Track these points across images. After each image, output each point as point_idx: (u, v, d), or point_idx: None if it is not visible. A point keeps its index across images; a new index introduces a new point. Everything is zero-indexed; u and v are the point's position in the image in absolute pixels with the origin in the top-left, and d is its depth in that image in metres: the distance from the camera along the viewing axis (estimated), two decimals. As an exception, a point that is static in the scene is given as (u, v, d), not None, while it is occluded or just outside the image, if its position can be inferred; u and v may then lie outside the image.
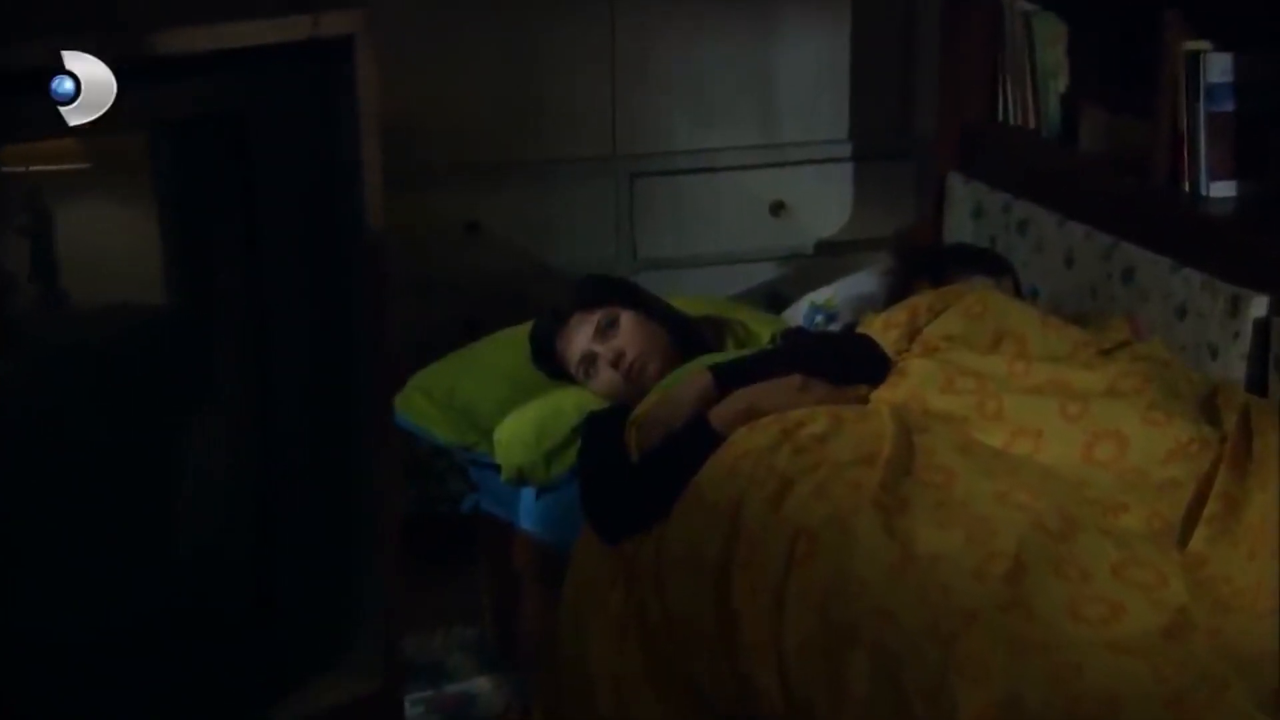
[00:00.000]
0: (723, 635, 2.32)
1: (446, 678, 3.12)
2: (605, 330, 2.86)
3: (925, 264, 3.10)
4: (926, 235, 3.56)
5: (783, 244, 3.78)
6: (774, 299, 3.73)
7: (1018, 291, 3.10)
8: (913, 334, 2.71)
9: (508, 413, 2.91)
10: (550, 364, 2.96)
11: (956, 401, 2.54)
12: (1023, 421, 2.47)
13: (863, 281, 3.35)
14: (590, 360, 2.88)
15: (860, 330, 2.78)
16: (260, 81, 1.68)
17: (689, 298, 3.28)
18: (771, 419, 2.50)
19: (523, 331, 3.05)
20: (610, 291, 2.95)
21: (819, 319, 3.28)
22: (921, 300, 2.77)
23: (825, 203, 3.81)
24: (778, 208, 3.78)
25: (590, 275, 3.02)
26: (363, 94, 1.73)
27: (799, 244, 3.80)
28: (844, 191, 3.83)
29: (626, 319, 2.88)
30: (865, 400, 2.60)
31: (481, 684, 3.09)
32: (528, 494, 2.91)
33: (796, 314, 3.34)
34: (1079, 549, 2.19)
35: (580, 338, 2.89)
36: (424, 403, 3.04)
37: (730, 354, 2.82)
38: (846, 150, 3.80)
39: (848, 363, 2.64)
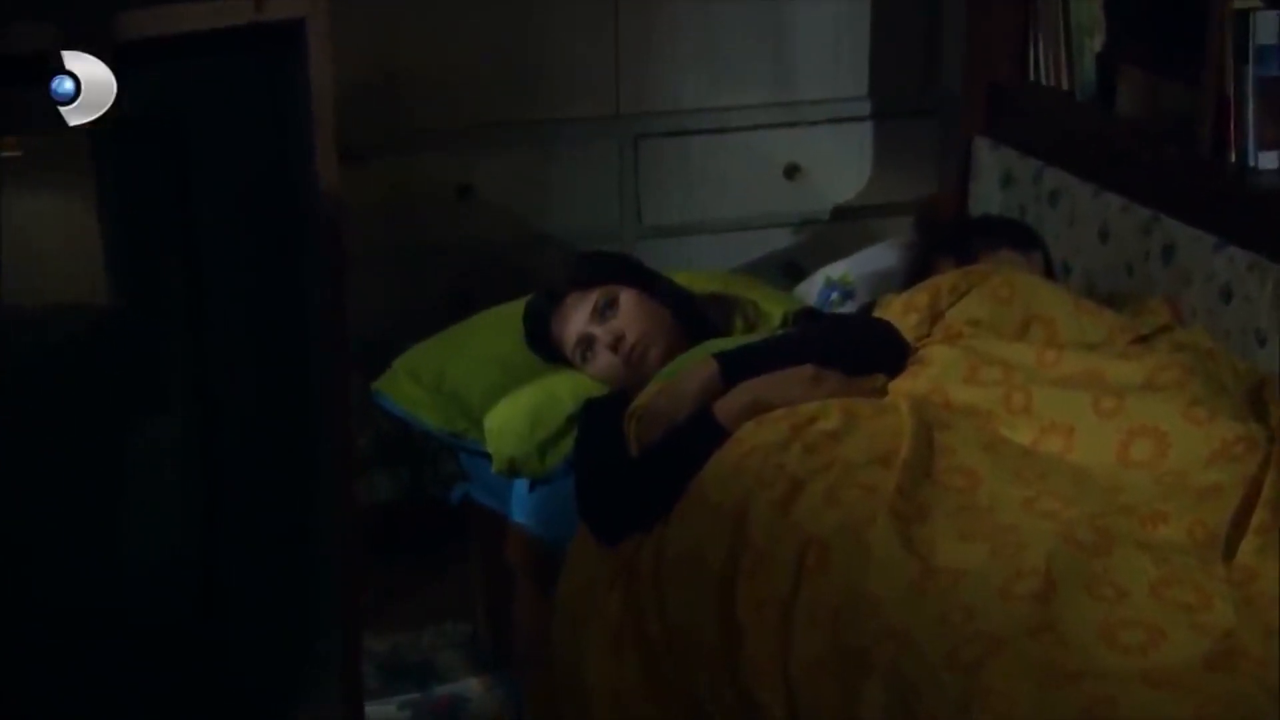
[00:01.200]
0: (725, 650, 2.26)
1: (436, 678, 3.10)
2: (604, 311, 2.81)
3: (948, 238, 3.05)
4: (950, 204, 3.50)
5: (797, 209, 3.74)
6: (788, 268, 3.70)
7: (1048, 268, 3.05)
8: (934, 318, 2.65)
9: (499, 399, 2.86)
10: (545, 347, 2.90)
11: (981, 394, 2.47)
12: (1052, 416, 2.41)
13: (881, 255, 3.29)
14: (587, 343, 2.82)
15: (878, 313, 2.72)
16: (199, 71, 1.60)
17: (695, 272, 3.23)
18: (781, 413, 2.45)
19: (516, 309, 2.99)
20: (609, 269, 2.88)
21: (834, 296, 3.21)
22: (944, 281, 2.71)
23: (843, 165, 3.76)
24: (792, 171, 3.72)
25: (588, 251, 2.97)
26: (316, 83, 1.63)
27: (815, 209, 3.75)
28: (863, 153, 3.77)
29: (626, 299, 2.82)
30: (882, 392, 2.54)
31: (473, 686, 3.07)
32: (521, 485, 2.86)
33: (811, 290, 3.28)
34: (1114, 565, 2.11)
35: (577, 319, 2.83)
36: (411, 386, 2.99)
37: (737, 340, 2.75)
38: (866, 109, 3.75)
39: (864, 351, 2.58)
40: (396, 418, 3.04)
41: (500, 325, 3.02)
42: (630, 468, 2.52)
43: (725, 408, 2.49)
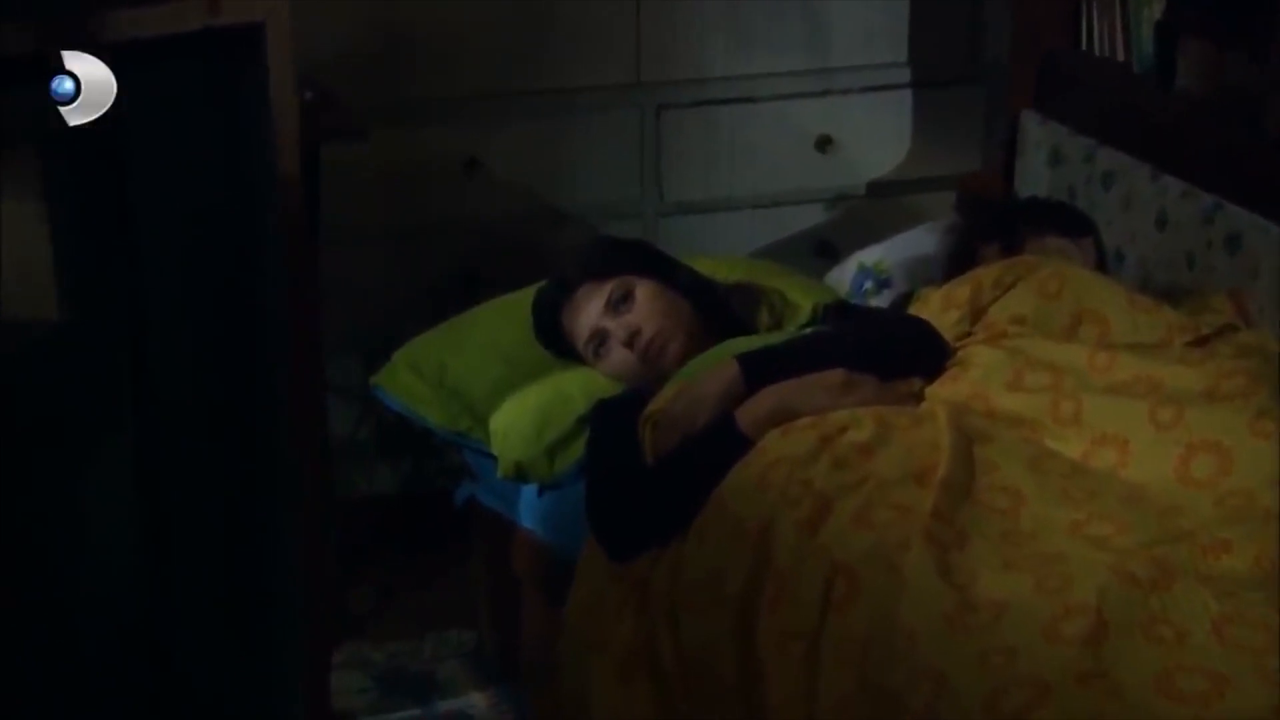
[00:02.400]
0: (744, 686, 2.20)
1: (437, 692, 3.05)
2: (618, 304, 2.73)
3: (992, 223, 2.99)
4: (994, 184, 3.44)
5: (830, 185, 3.70)
6: (819, 247, 3.68)
7: (1100, 257, 2.98)
8: (976, 315, 2.60)
9: (505, 397, 2.80)
10: (555, 341, 2.82)
11: (1027, 401, 2.41)
12: (1104, 427, 2.34)
13: (920, 240, 3.21)
14: (601, 338, 2.74)
15: (914, 309, 2.68)
16: (148, 79, 1.54)
17: (718, 258, 3.16)
18: (807, 422, 2.37)
19: (525, 299, 2.92)
20: (625, 257, 2.80)
21: (868, 284, 3.14)
22: (987, 274, 2.65)
23: (879, 138, 3.72)
24: (825, 143, 3.68)
25: (602, 237, 2.92)
26: (276, 92, 1.54)
27: (849, 185, 3.72)
28: (901, 125, 3.73)
29: (643, 290, 2.74)
30: (919, 398, 2.47)
31: (477, 701, 3.02)
32: (529, 490, 2.80)
33: (843, 277, 3.21)
34: (1172, 602, 2.01)
35: (589, 312, 2.75)
36: (412, 380, 2.93)
37: (763, 338, 2.67)
38: (905, 77, 3.71)
39: (899, 353, 2.52)
40: (397, 413, 2.98)
41: (507, 316, 2.95)
42: (644, 478, 2.46)
43: (748, 415, 2.42)
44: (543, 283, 2.88)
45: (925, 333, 2.55)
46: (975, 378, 2.45)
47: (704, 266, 2.97)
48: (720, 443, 2.39)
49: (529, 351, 2.85)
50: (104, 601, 1.98)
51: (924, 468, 2.26)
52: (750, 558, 2.24)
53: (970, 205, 3.28)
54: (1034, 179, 3.38)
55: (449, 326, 3.01)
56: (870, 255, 3.20)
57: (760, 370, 2.48)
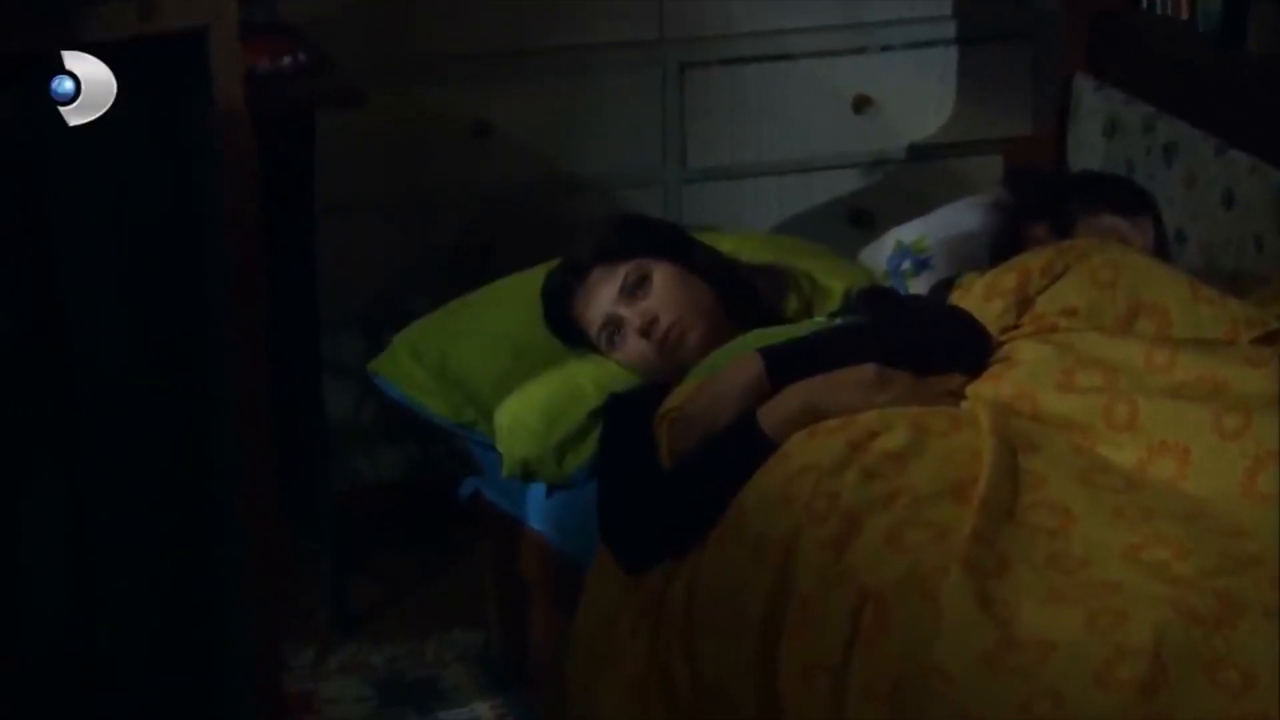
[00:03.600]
0: None
1: (440, 700, 3.00)
2: (634, 289, 2.68)
3: (1041, 200, 2.92)
4: (1044, 154, 3.39)
5: (867, 148, 3.67)
6: (855, 216, 3.65)
7: (1159, 238, 2.90)
8: (1022, 305, 2.51)
9: (511, 389, 2.75)
10: (565, 328, 2.77)
11: (1078, 403, 2.33)
12: (1163, 434, 2.25)
13: (962, 216, 3.13)
14: (615, 326, 2.69)
15: (955, 298, 2.58)
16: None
17: (742, 235, 3.14)
18: (836, 424, 2.30)
19: (533, 280, 2.86)
20: (641, 238, 2.74)
21: (906, 264, 3.06)
22: (1035, 259, 2.55)
23: (920, 98, 3.68)
24: (862, 104, 3.64)
25: (617, 215, 2.89)
26: (223, 104, 1.45)
27: (887, 148, 3.69)
28: (944, 84, 3.69)
29: (661, 274, 2.68)
30: (959, 397, 2.40)
31: (482, 712, 2.97)
32: (537, 488, 2.77)
33: (879, 255, 3.13)
34: (1239, 642, 1.91)
35: (603, 298, 2.70)
36: (413, 367, 2.89)
37: (787, 330, 2.59)
38: (948, 32, 3.67)
39: (937, 347, 2.44)
40: (397, 402, 2.94)
41: (515, 299, 2.89)
42: (660, 483, 2.40)
43: (771, 415, 2.35)
44: (553, 264, 2.82)
45: (966, 325, 2.46)
46: (1021, 376, 2.37)
47: (727, 245, 2.92)
48: (741, 446, 2.33)
49: (538, 339, 2.80)
50: (33, 616, 1.96)
51: (963, 481, 2.18)
52: (771, 578, 2.18)
53: (1018, 179, 3.18)
54: (1087, 150, 3.31)
55: (452, 310, 2.97)
56: (909, 232, 3.13)
57: (786, 365, 2.41)
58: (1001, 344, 2.44)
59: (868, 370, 2.36)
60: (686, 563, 2.29)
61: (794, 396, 2.35)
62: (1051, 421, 2.31)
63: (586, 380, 2.69)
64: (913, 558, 2.07)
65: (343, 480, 3.39)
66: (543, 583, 2.82)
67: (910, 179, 3.65)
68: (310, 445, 3.18)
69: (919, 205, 3.36)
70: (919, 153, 3.68)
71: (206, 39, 1.58)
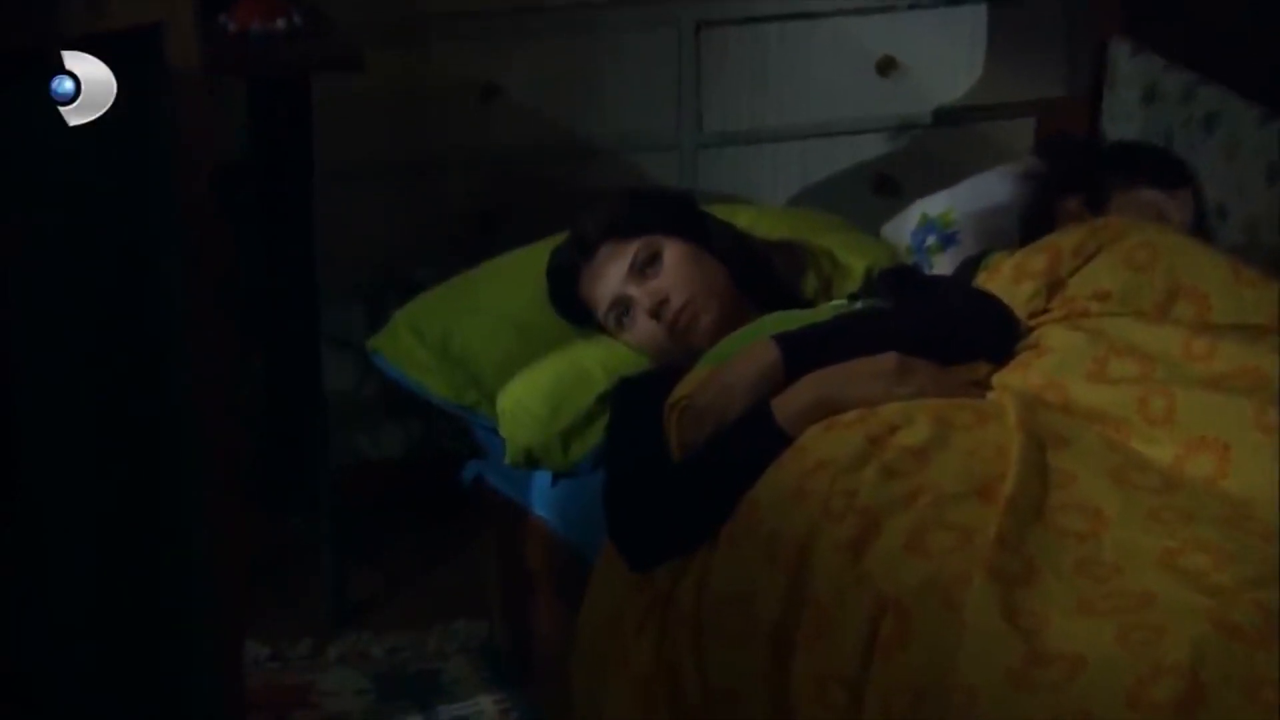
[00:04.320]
0: None
1: (441, 694, 2.96)
2: (644, 267, 2.65)
3: (1075, 172, 2.91)
4: (1078, 121, 3.29)
5: (893, 112, 3.64)
6: (880, 183, 3.62)
7: (1199, 213, 2.87)
8: (1053, 288, 2.48)
9: (515, 371, 2.73)
10: (571, 308, 2.75)
11: (1111, 394, 2.28)
12: (1201, 428, 2.20)
13: (991, 187, 3.08)
14: (623, 306, 2.67)
15: (982, 280, 2.55)
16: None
17: (758, 209, 3.16)
18: (854, 417, 2.26)
19: (541, 253, 2.83)
20: (652, 213, 2.71)
21: (931, 240, 3.01)
22: (1066, 239, 2.52)
23: (948, 58, 3.65)
24: (887, 65, 3.61)
25: (626, 189, 2.84)
26: (183, 106, 1.42)
27: (913, 111, 3.65)
28: (973, 44, 3.65)
29: (672, 252, 2.65)
30: (984, 387, 2.35)
31: (485, 706, 2.93)
32: (542, 476, 2.74)
33: (902, 229, 3.08)
34: None
35: (611, 276, 2.67)
36: (414, 345, 2.87)
37: (804, 315, 2.55)
38: None
39: (962, 334, 2.40)
40: (397, 382, 2.92)
41: (520, 275, 2.88)
42: (669, 476, 2.35)
43: (786, 406, 2.31)
44: (560, 238, 2.79)
45: (993, 310, 2.42)
46: (1051, 364, 2.33)
47: (743, 219, 2.90)
48: (754, 438, 2.29)
49: (544, 318, 2.79)
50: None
51: (988, 479, 2.13)
52: (785, 581, 2.13)
53: (1050, 148, 3.13)
54: (1124, 118, 3.24)
55: (455, 286, 2.95)
56: (934, 205, 3.08)
57: (802, 353, 2.37)
58: (1030, 330, 2.40)
59: (888, 360, 2.32)
60: (696, 560, 2.26)
61: (810, 387, 2.31)
62: (1082, 414, 2.27)
63: (594, 363, 2.68)
64: (934, 563, 2.01)
65: (343, 458, 3.36)
66: (547, 574, 2.78)
67: (938, 144, 3.61)
68: (308, 422, 3.14)
69: (946, 172, 3.34)
70: (947, 117, 3.64)
71: (161, 34, 1.52)
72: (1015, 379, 2.33)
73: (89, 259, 1.63)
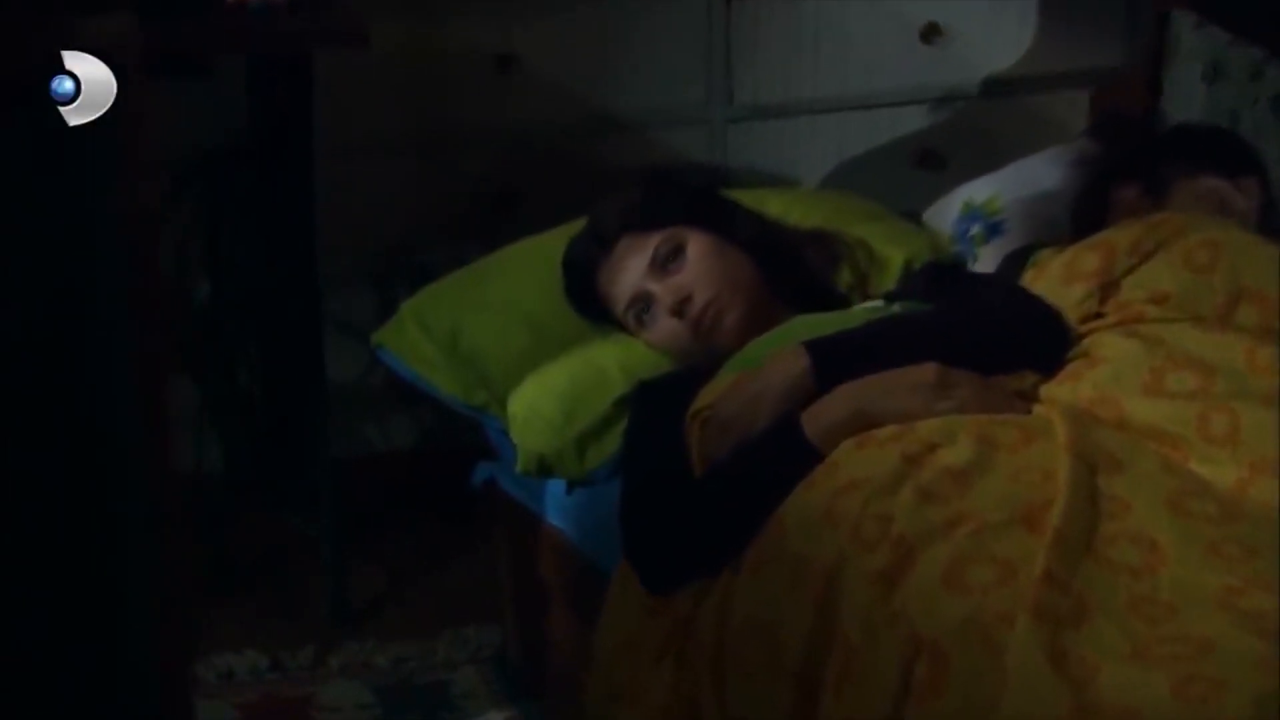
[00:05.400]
0: None
1: (450, 708, 2.91)
2: (666, 261, 2.59)
3: (1132, 157, 2.84)
4: (1135, 96, 3.26)
5: (937, 81, 3.60)
6: (923, 158, 3.58)
7: (1266, 205, 2.78)
8: (1106, 289, 2.41)
9: (527, 372, 2.70)
10: (588, 305, 2.71)
11: (1168, 410, 2.22)
12: (1267, 449, 2.14)
13: (1040, 172, 3.03)
14: (644, 303, 2.62)
15: (1030, 278, 2.48)
16: None
17: (789, 194, 3.08)
18: (890, 433, 2.20)
19: (557, 242, 2.78)
20: (674, 203, 2.66)
21: (975, 230, 2.94)
22: (1122, 236, 2.46)
23: (997, 25, 3.61)
24: (931, 32, 3.57)
25: (649, 177, 2.78)
26: (126, 141, 1.35)
27: (960, 82, 3.61)
28: (1024, 9, 3.61)
29: (696, 245, 2.59)
30: (1030, 399, 2.29)
31: None
32: (557, 482, 2.69)
33: (944, 215, 3.02)
34: None
35: (630, 271, 2.62)
36: (420, 339, 2.84)
37: (837, 320, 2.48)
38: None
39: (1007, 341, 2.34)
40: (403, 378, 2.89)
41: (535, 266, 2.83)
42: (689, 492, 2.30)
43: (817, 419, 2.25)
44: (577, 225, 2.74)
45: (1041, 314, 2.36)
46: (1103, 376, 2.26)
47: (775, 206, 2.87)
48: (782, 453, 2.23)
49: (558, 313, 2.75)
50: None
51: (1034, 506, 2.05)
52: (812, 614, 2.06)
53: (1106, 129, 3.10)
54: (1185, 97, 3.19)
55: (465, 277, 2.92)
56: (979, 190, 3.02)
57: (834, 361, 2.30)
58: (1081, 336, 2.34)
59: (927, 370, 2.25)
60: (718, 584, 2.20)
61: (843, 399, 2.25)
62: (1137, 431, 2.20)
63: (611, 363, 2.64)
64: (975, 601, 1.94)
65: (349, 450, 3.34)
66: (562, 585, 2.73)
67: (985, 117, 3.58)
68: (309, 413, 3.10)
69: (994, 146, 3.33)
70: (995, 87, 3.60)
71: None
72: (1064, 391, 2.27)
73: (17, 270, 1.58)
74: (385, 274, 3.29)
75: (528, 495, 2.76)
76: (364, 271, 3.31)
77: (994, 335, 2.33)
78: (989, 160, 3.22)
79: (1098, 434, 2.18)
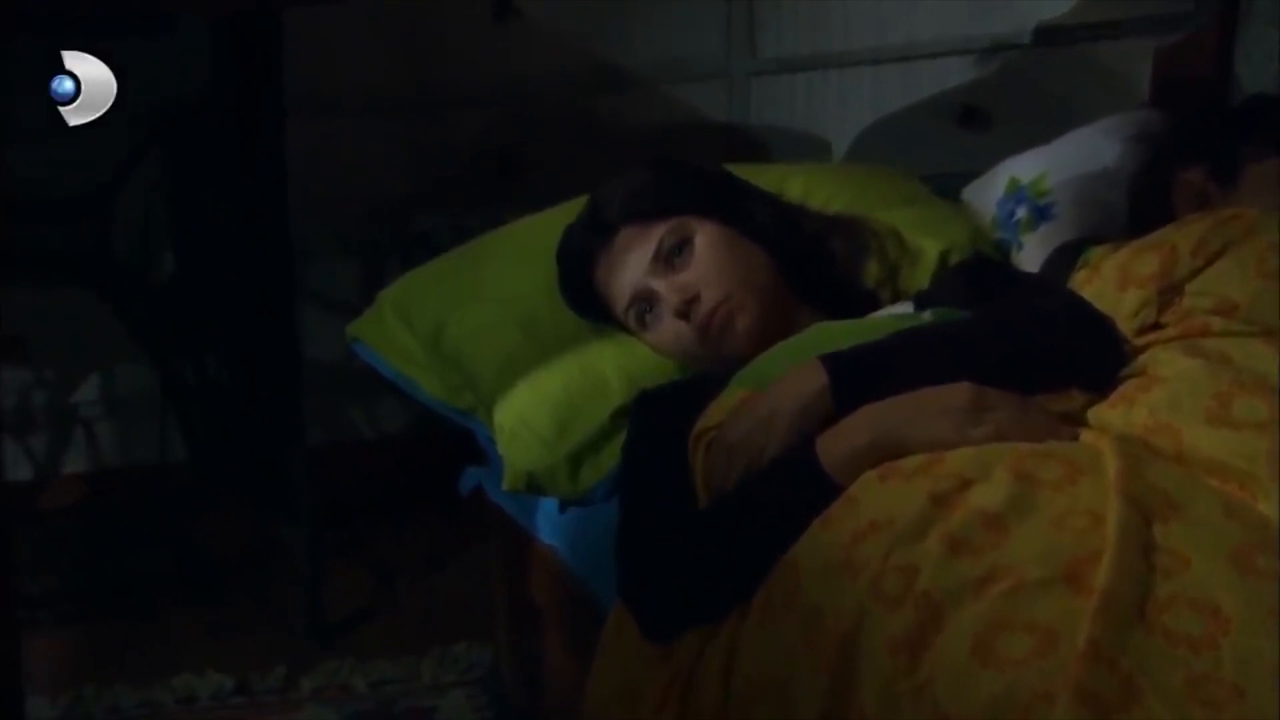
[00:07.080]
0: None
1: None
2: (671, 256, 2.52)
3: (1198, 134, 2.73)
4: (1204, 51, 3.19)
5: (982, 31, 3.60)
6: (966, 115, 3.60)
7: None
8: (1167, 296, 2.34)
9: (517, 377, 2.62)
10: (585, 300, 2.63)
11: (1234, 442, 2.11)
12: None
13: (1095, 149, 2.93)
14: (646, 302, 2.54)
15: (1080, 281, 2.42)
16: None
17: (813, 171, 2.96)
18: (917, 465, 2.10)
19: (554, 225, 2.69)
20: (682, 190, 2.57)
21: (1021, 214, 2.84)
22: (1184, 235, 2.39)
23: None
24: None
25: (652, 160, 2.64)
26: None
27: (1008, 31, 3.62)
28: None
29: (705, 238, 2.51)
30: (1077, 423, 2.19)
31: None
32: (549, 499, 2.62)
33: (987, 195, 2.93)
34: None
35: (632, 266, 2.54)
36: (401, 332, 2.80)
37: (860, 329, 2.39)
38: None
39: (1054, 355, 2.24)
40: (381, 375, 2.81)
41: (530, 252, 2.75)
42: (691, 525, 2.22)
43: (835, 447, 2.15)
44: (579, 205, 2.65)
45: (1092, 325, 2.27)
46: (1161, 400, 2.16)
47: (795, 187, 2.82)
48: (795, 485, 2.14)
49: (554, 308, 2.66)
50: None
51: (1079, 560, 1.94)
52: (827, 680, 1.96)
53: (1170, 100, 3.04)
54: (1261, 59, 3.10)
55: (451, 263, 2.87)
56: (1026, 167, 2.92)
57: (855, 379, 2.21)
58: (1137, 351, 2.26)
59: (960, 392, 2.15)
60: (724, 629, 2.11)
61: (864, 424, 2.15)
62: (1199, 465, 2.09)
63: (611, 368, 2.57)
64: (1009, 676, 1.83)
65: (329, 437, 3.34)
66: (556, 609, 2.68)
67: (1036, 69, 3.58)
68: (283, 398, 3.05)
69: (1046, 102, 3.39)
70: (1048, 37, 3.59)
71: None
72: (1116, 416, 2.17)
73: None
74: (372, 244, 3.27)
75: (518, 509, 2.70)
76: (349, 241, 3.29)
77: (1037, 349, 2.24)
78: (1040, 120, 3.21)
79: (1152, 471, 2.06)
